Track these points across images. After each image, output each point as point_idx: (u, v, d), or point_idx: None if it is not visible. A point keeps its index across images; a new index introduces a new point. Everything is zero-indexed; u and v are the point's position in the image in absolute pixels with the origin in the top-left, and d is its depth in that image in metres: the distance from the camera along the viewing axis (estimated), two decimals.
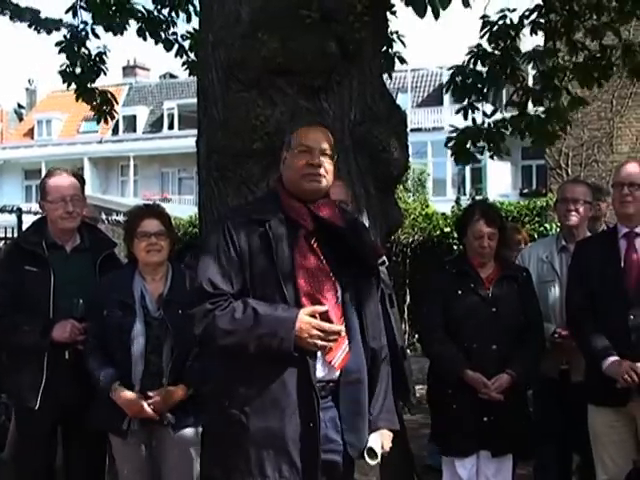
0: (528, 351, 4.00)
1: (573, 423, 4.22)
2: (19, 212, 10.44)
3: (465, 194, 26.07)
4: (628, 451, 3.81)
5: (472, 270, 4.10)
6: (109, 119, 8.17)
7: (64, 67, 7.55)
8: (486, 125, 6.82)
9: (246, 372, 2.72)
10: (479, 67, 6.70)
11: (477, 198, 14.98)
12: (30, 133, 40.24)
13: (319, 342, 2.66)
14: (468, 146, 6.81)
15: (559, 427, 4.37)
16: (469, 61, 6.66)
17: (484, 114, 6.79)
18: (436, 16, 4.01)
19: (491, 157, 7.09)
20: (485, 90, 6.71)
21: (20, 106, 42.96)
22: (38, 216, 4.15)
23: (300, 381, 2.68)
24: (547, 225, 10.88)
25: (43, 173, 4.20)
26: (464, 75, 6.66)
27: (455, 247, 10.23)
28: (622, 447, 3.83)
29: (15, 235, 8.87)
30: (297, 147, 2.83)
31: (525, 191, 26.98)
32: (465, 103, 6.84)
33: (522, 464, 4.47)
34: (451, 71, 6.86)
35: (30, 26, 7.76)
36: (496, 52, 6.59)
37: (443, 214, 12.27)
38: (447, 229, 11.35)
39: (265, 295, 2.71)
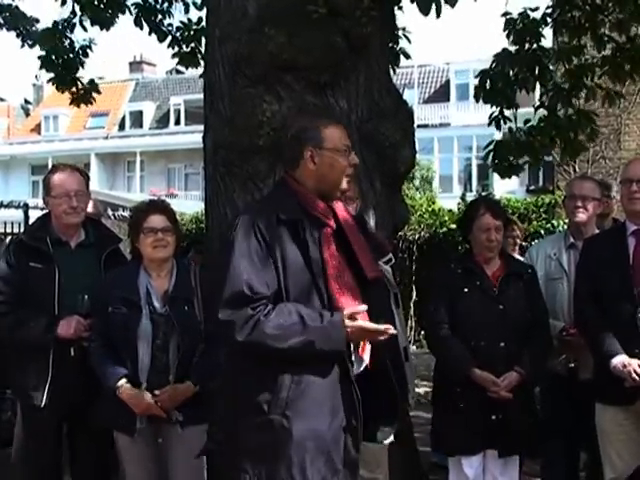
0: (535, 349, 3.97)
1: (581, 420, 4.20)
2: (26, 207, 10.47)
3: (472, 190, 26.06)
4: (636, 449, 3.80)
5: (478, 267, 4.08)
6: (84, 105, 8.13)
7: (44, 54, 7.50)
8: (520, 133, 6.73)
9: (285, 376, 2.68)
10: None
11: (483, 194, 14.94)
12: (37, 129, 40.31)
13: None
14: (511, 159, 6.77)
15: (567, 424, 4.35)
16: (496, 65, 6.55)
17: (519, 128, 6.72)
18: (438, 14, 3.98)
19: (529, 167, 7.03)
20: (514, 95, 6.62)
21: (27, 102, 43.03)
22: (45, 211, 4.15)
23: (340, 379, 2.69)
24: (554, 222, 10.82)
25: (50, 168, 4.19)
26: (492, 79, 6.57)
27: (461, 244, 10.20)
28: (630, 445, 3.81)
29: (22, 230, 8.88)
30: (340, 147, 2.84)
31: (532, 188, 26.89)
32: (496, 112, 6.75)
33: (529, 462, 4.46)
34: (476, 76, 6.76)
35: (18, 36, 7.76)
36: (521, 53, 6.49)
37: (450, 210, 12.24)
38: (453, 225, 11.32)
39: (300, 295, 2.70)
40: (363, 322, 2.70)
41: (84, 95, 7.96)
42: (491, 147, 6.80)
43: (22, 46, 7.78)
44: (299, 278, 2.70)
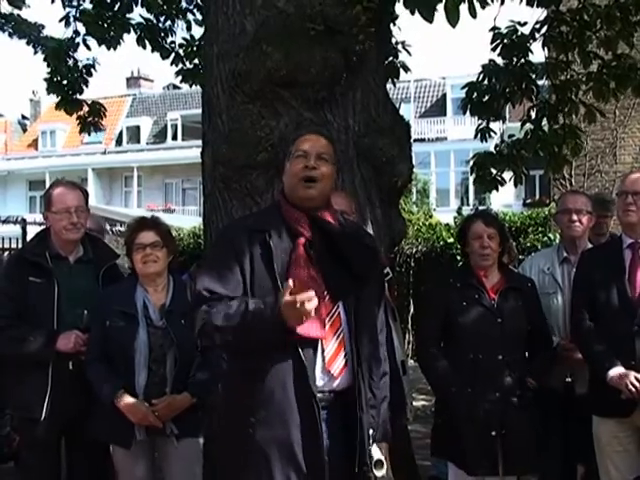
0: (540, 363, 4.04)
1: (577, 434, 4.21)
2: (23, 223, 10.48)
3: (468, 204, 26.10)
4: (632, 461, 3.81)
5: (477, 281, 4.09)
6: (93, 130, 8.10)
7: (49, 76, 7.48)
8: (504, 146, 6.75)
9: (250, 383, 2.73)
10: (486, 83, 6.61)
11: (480, 208, 14.98)
12: (34, 144, 40.32)
13: (303, 311, 2.57)
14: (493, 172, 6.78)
15: (563, 438, 4.36)
16: (484, 77, 6.56)
17: (503, 139, 6.75)
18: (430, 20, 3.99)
19: (515, 185, 7.06)
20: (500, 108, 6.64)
21: (24, 117, 43.06)
22: (42, 227, 4.17)
23: (300, 390, 2.69)
24: (551, 235, 10.85)
25: (47, 184, 4.24)
26: (480, 92, 6.59)
27: (459, 257, 10.22)
28: (627, 457, 3.82)
29: (19, 246, 8.89)
30: (295, 153, 2.85)
31: (528, 201, 26.95)
32: (483, 124, 6.75)
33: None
34: (463, 87, 6.76)
35: (28, 43, 7.78)
36: (509, 67, 6.46)
37: (446, 224, 12.26)
38: (450, 239, 11.35)
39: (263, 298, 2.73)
40: (288, 296, 2.57)
41: (92, 122, 7.95)
42: (474, 160, 6.84)
43: (35, 53, 7.78)
44: (262, 285, 2.74)
